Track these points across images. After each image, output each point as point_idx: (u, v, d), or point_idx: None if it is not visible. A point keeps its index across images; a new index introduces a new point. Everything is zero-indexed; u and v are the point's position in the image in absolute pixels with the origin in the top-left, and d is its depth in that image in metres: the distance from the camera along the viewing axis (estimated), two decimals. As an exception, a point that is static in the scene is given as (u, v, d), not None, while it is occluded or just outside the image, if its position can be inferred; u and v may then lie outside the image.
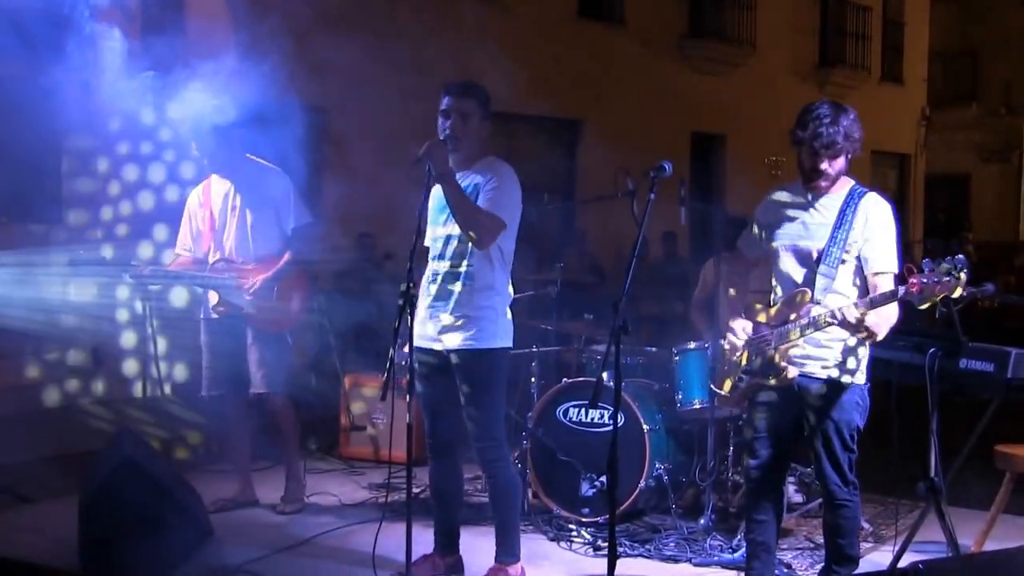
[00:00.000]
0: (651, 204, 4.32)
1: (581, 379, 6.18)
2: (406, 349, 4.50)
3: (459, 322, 4.83)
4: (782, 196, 4.59)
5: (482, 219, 4.72)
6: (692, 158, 16.75)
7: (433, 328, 4.90)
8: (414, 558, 4.72)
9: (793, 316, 4.38)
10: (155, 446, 6.69)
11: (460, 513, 5.28)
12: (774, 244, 4.54)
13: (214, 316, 6.14)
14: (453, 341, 4.85)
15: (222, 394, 6.21)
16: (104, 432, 7.49)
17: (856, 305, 4.16)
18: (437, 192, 4.84)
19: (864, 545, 5.64)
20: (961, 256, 3.87)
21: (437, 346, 4.89)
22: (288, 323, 6.18)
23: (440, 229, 4.91)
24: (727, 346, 4.71)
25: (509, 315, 4.97)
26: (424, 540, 5.15)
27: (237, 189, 6.11)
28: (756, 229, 4.67)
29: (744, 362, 4.59)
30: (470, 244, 4.78)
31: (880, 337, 4.22)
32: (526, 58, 13.71)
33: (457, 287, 4.84)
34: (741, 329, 4.60)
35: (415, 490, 5.56)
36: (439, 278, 4.89)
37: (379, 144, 11.05)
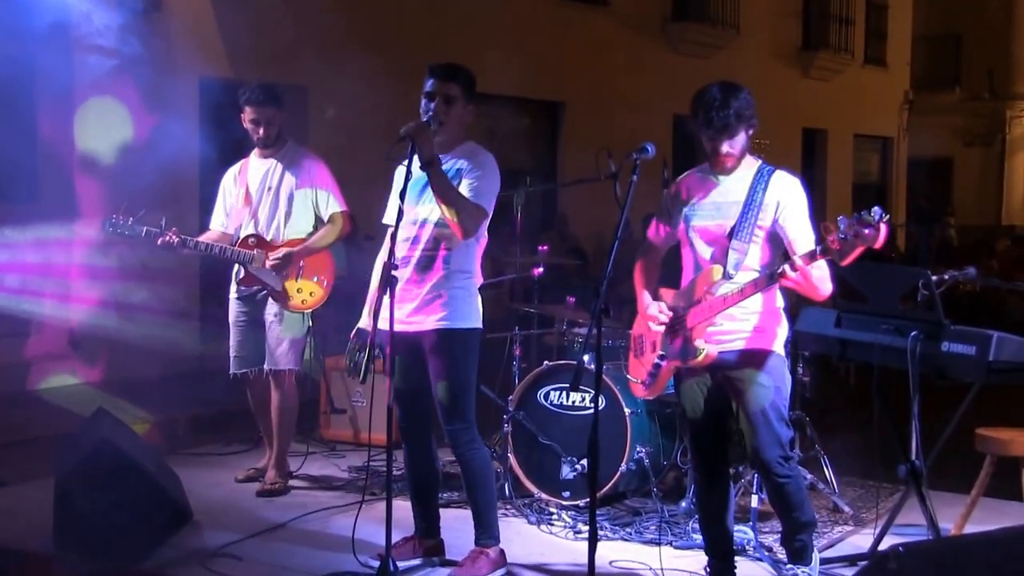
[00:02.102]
0: (634, 186, 4.29)
1: (562, 362, 6.15)
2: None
3: (433, 304, 4.80)
4: (690, 180, 4.59)
5: (469, 209, 4.68)
6: (674, 141, 16.72)
7: (404, 311, 4.81)
8: (394, 540, 4.72)
9: (704, 293, 4.37)
10: (133, 429, 6.63)
11: (437, 497, 5.25)
12: (687, 227, 4.51)
13: (240, 291, 6.21)
14: (426, 322, 4.81)
15: (247, 372, 6.25)
16: (81, 415, 7.44)
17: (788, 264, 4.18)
18: (416, 176, 4.79)
19: (844, 528, 5.67)
20: (878, 208, 3.89)
21: (409, 328, 4.82)
22: (311, 305, 6.23)
23: (416, 212, 4.83)
24: (643, 332, 4.68)
25: (478, 297, 4.95)
26: (405, 523, 5.13)
27: (276, 169, 6.18)
28: (666, 216, 4.64)
29: (659, 347, 4.56)
30: (447, 230, 4.74)
31: (824, 294, 4.27)
32: (508, 39, 13.66)
33: (433, 271, 4.80)
34: (658, 311, 4.53)
35: (396, 472, 5.54)
36: (412, 261, 4.83)
37: (358, 123, 11.00)
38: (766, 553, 5.15)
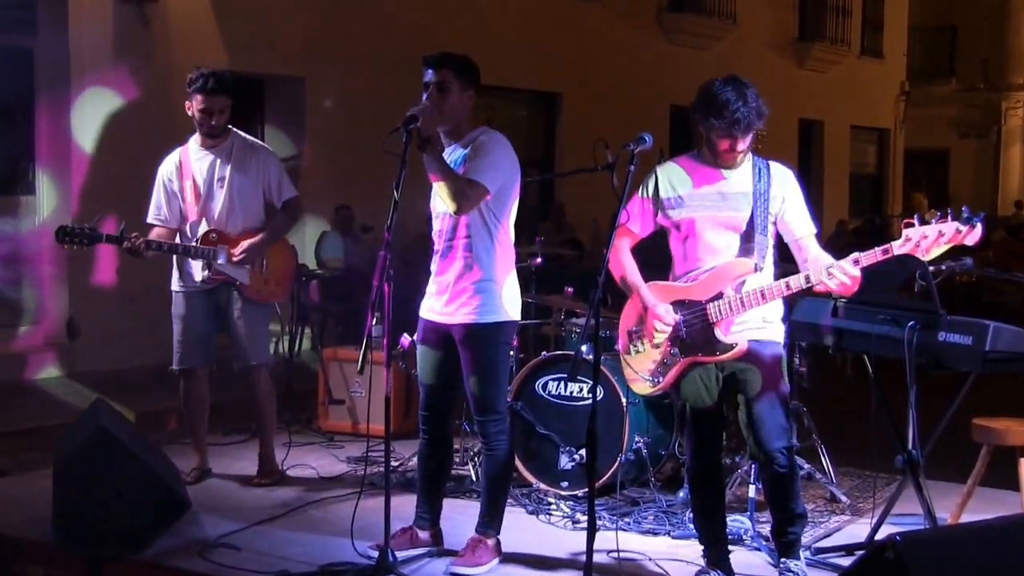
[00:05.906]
0: (631, 177, 4.29)
1: (560, 352, 6.16)
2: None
3: (460, 297, 4.81)
4: (685, 169, 4.55)
5: (461, 186, 4.66)
6: (671, 131, 16.73)
7: (437, 302, 4.90)
8: (393, 531, 4.73)
9: (728, 287, 4.37)
10: (130, 419, 6.65)
11: (445, 488, 5.26)
12: (690, 217, 4.48)
13: (187, 287, 6.05)
14: (455, 316, 4.83)
15: (191, 367, 6.15)
16: (79, 405, 7.45)
17: (852, 263, 4.17)
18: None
19: (842, 518, 5.68)
20: (965, 207, 3.92)
21: (441, 320, 4.88)
22: (279, 295, 6.21)
23: (439, 204, 4.87)
24: (638, 326, 4.65)
25: (513, 287, 4.93)
26: (403, 513, 5.14)
27: (224, 160, 6.01)
28: (651, 204, 4.57)
29: (671, 345, 4.53)
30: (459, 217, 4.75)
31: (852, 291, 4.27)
32: (506, 30, 13.66)
33: (456, 261, 4.82)
34: (665, 311, 4.50)
35: (393, 463, 5.56)
36: (441, 253, 4.88)
37: (356, 114, 11.00)
38: (764, 543, 5.16)
